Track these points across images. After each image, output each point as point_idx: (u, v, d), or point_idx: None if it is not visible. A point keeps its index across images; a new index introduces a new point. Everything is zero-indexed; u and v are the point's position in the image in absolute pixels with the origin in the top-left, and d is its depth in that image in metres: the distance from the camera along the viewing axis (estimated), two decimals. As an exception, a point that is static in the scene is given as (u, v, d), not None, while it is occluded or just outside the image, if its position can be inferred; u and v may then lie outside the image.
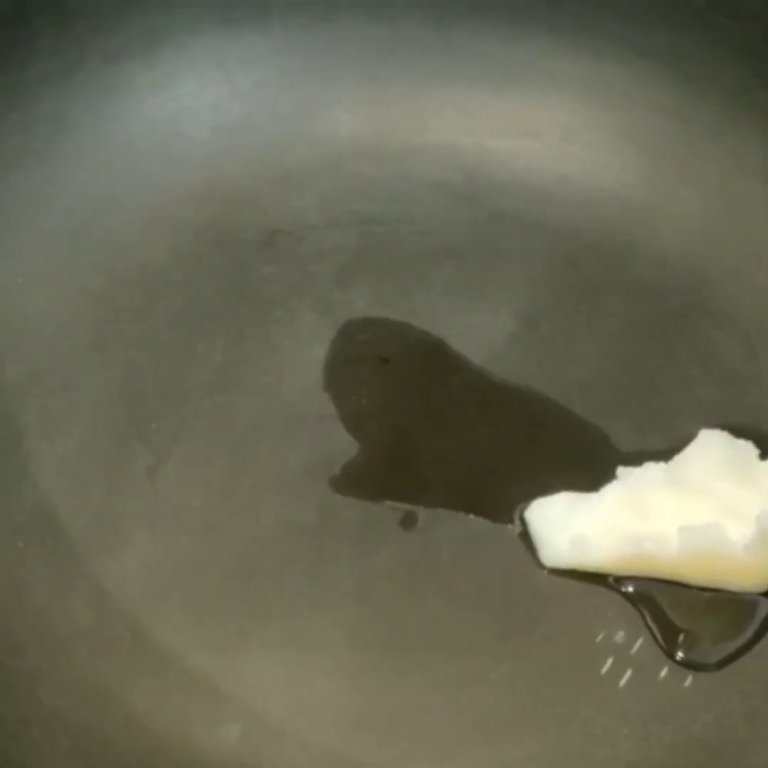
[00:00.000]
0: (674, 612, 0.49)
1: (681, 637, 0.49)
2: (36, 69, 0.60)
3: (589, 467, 0.53)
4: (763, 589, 0.49)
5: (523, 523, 0.52)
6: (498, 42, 0.63)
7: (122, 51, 0.62)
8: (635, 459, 0.53)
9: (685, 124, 0.61)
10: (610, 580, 0.50)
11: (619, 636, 0.49)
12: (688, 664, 0.49)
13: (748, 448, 0.51)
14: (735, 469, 0.51)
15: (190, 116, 0.63)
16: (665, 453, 0.53)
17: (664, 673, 0.49)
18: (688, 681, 0.49)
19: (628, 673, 0.49)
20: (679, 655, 0.49)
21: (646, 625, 0.49)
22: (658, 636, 0.49)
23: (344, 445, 0.54)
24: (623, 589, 0.50)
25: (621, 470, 0.51)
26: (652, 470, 0.51)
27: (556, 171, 0.62)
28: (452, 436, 0.55)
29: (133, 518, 0.52)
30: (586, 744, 0.48)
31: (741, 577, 0.49)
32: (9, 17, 0.59)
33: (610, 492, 0.51)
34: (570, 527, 0.50)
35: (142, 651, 0.49)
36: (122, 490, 0.53)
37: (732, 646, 0.49)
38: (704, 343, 0.57)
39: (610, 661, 0.49)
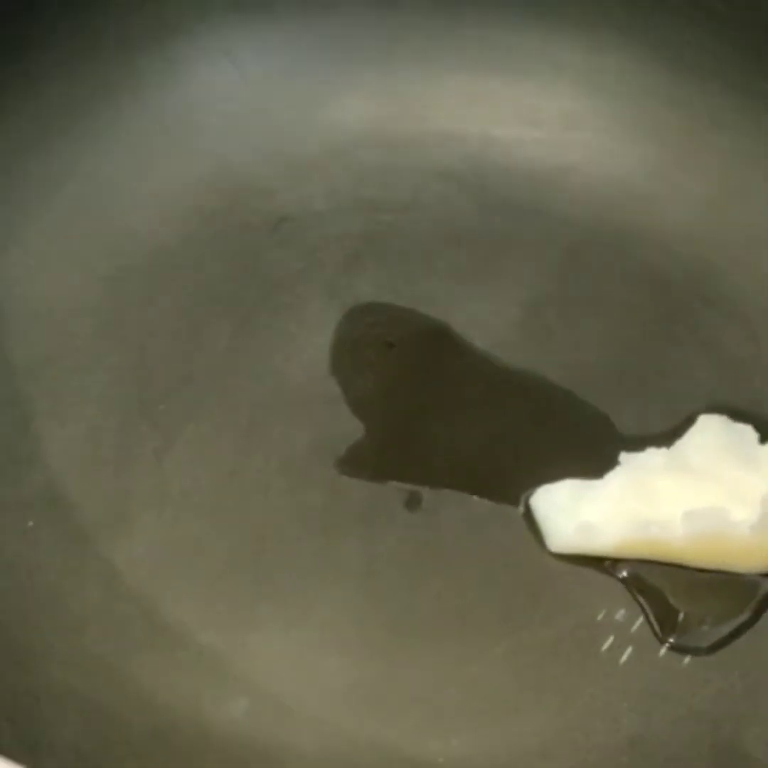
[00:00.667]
0: (670, 596, 0.50)
1: (675, 621, 0.50)
2: (48, 57, 0.61)
3: (592, 450, 0.54)
4: (767, 569, 0.50)
5: (528, 507, 0.52)
6: (503, 31, 0.64)
7: (133, 39, 0.62)
8: (638, 443, 0.53)
9: (688, 112, 0.62)
10: (607, 564, 0.51)
11: (620, 614, 0.50)
12: (682, 649, 0.49)
13: (747, 432, 0.52)
14: (736, 453, 0.51)
15: (200, 104, 0.63)
16: (667, 436, 0.53)
17: (663, 650, 0.50)
18: (687, 658, 0.49)
19: (629, 650, 0.50)
20: (672, 639, 0.49)
21: (641, 609, 0.50)
22: (653, 621, 0.50)
23: (350, 428, 0.55)
24: (619, 575, 0.51)
25: (624, 456, 0.52)
26: (654, 456, 0.52)
27: (560, 159, 0.62)
28: (456, 419, 0.55)
29: (142, 499, 0.53)
30: (588, 719, 0.48)
31: (746, 559, 0.50)
32: (23, 6, 0.60)
33: (614, 478, 0.51)
34: (576, 513, 0.50)
35: (152, 629, 0.50)
36: (131, 471, 0.54)
37: (725, 629, 0.50)
38: (706, 329, 0.58)
39: (610, 639, 0.50)
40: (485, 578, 0.51)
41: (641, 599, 0.50)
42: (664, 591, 0.50)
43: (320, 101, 0.64)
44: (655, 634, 0.50)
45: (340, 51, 0.64)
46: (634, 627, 0.50)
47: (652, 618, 0.50)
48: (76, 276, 0.59)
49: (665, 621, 0.50)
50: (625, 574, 0.51)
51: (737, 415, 0.54)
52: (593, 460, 0.53)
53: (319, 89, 0.64)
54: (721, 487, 0.50)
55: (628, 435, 0.55)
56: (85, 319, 0.58)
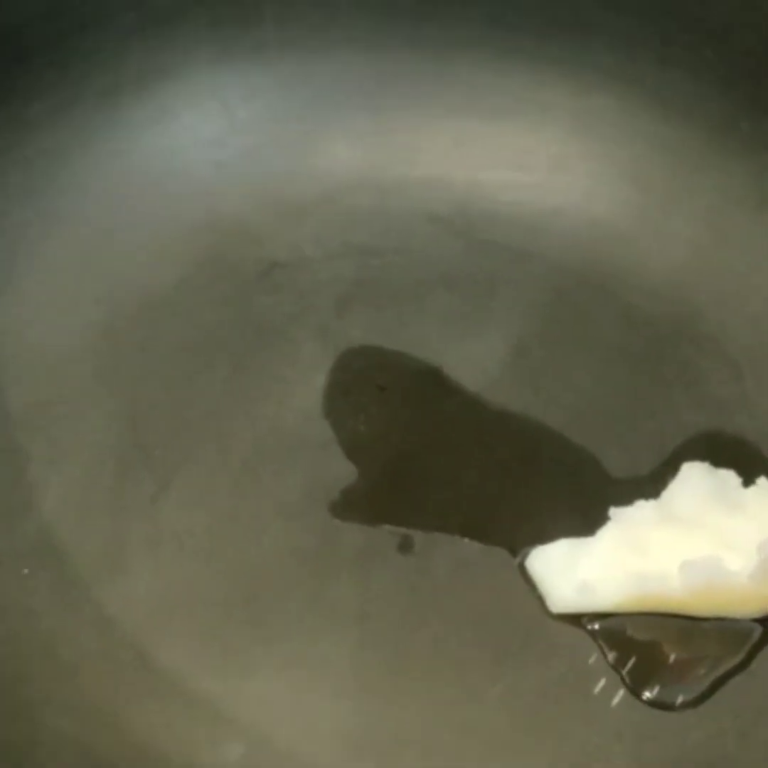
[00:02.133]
0: (664, 644, 0.51)
1: (648, 677, 0.50)
2: (35, 105, 0.61)
3: (581, 490, 0.55)
4: (765, 613, 0.51)
5: (522, 566, 0.52)
6: (491, 74, 0.64)
7: (120, 86, 0.63)
8: (626, 484, 0.54)
9: (674, 154, 0.62)
10: (584, 620, 0.51)
11: (611, 657, 0.51)
12: (655, 704, 0.49)
13: (730, 477, 0.52)
14: (722, 500, 0.52)
15: (189, 150, 0.64)
16: (655, 477, 0.54)
17: (657, 686, 0.50)
18: (679, 700, 0.50)
19: (620, 692, 0.50)
20: (646, 695, 0.50)
21: (611, 666, 0.50)
22: (626, 677, 0.50)
23: (343, 471, 0.55)
24: (590, 627, 0.51)
25: (613, 511, 0.52)
26: (644, 509, 0.52)
27: (547, 202, 0.63)
28: (448, 461, 0.56)
29: (137, 544, 0.53)
30: (581, 761, 0.49)
31: (744, 605, 0.50)
32: (9, 56, 0.60)
33: (607, 534, 0.52)
34: (573, 573, 0.51)
35: (147, 674, 0.50)
36: (126, 516, 0.54)
37: (719, 672, 0.50)
38: (693, 370, 0.58)
39: (602, 681, 0.50)
40: (478, 621, 0.51)
41: (608, 654, 0.50)
42: (633, 647, 0.50)
43: (310, 146, 0.64)
44: (627, 686, 0.50)
45: (329, 96, 0.65)
46: (626, 669, 0.50)
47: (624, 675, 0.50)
48: (69, 323, 0.59)
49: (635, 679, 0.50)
50: (594, 627, 0.51)
51: (721, 454, 0.54)
52: (582, 499, 0.54)
53: (309, 134, 0.64)
54: (712, 536, 0.50)
55: (615, 475, 0.55)
56: (79, 366, 0.58)
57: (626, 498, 0.53)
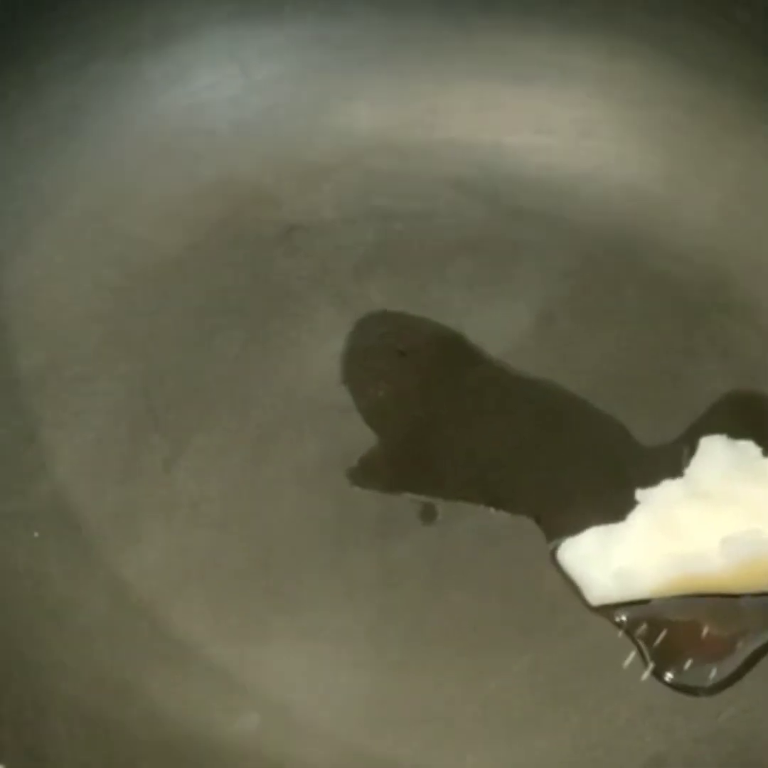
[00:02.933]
0: (675, 631, 0.49)
1: (679, 658, 0.49)
2: (51, 62, 0.60)
3: (608, 460, 0.53)
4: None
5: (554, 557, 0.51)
6: (515, 37, 0.63)
7: (137, 44, 0.61)
8: (652, 452, 0.53)
9: (704, 118, 0.61)
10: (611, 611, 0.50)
11: (642, 629, 0.49)
12: (681, 688, 0.48)
13: (749, 448, 0.52)
14: (744, 472, 0.51)
15: (207, 110, 0.63)
16: (682, 443, 0.53)
17: (687, 665, 0.49)
18: (713, 673, 0.48)
19: (651, 666, 0.49)
20: (674, 677, 0.49)
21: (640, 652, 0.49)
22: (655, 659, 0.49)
23: (362, 438, 0.54)
24: (617, 619, 0.50)
25: (640, 493, 0.51)
26: (670, 487, 0.51)
27: (573, 167, 0.62)
28: (470, 428, 0.55)
29: (150, 509, 0.52)
30: (609, 736, 0.47)
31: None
32: (24, 10, 0.59)
33: (637, 518, 0.50)
34: (608, 561, 0.49)
35: (161, 641, 0.49)
36: (139, 481, 0.53)
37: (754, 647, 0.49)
38: (723, 337, 0.57)
39: (632, 654, 0.49)
40: (502, 592, 0.50)
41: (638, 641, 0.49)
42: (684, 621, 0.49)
43: (329, 108, 0.63)
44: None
45: (349, 57, 0.63)
46: (657, 642, 0.49)
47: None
48: (83, 285, 0.58)
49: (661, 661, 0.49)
50: (621, 618, 0.50)
51: (753, 421, 0.53)
52: (610, 470, 0.53)
53: (328, 96, 0.63)
54: (744, 509, 0.49)
55: (644, 444, 0.54)
56: (92, 328, 0.57)
57: (653, 467, 0.52)
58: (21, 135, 0.60)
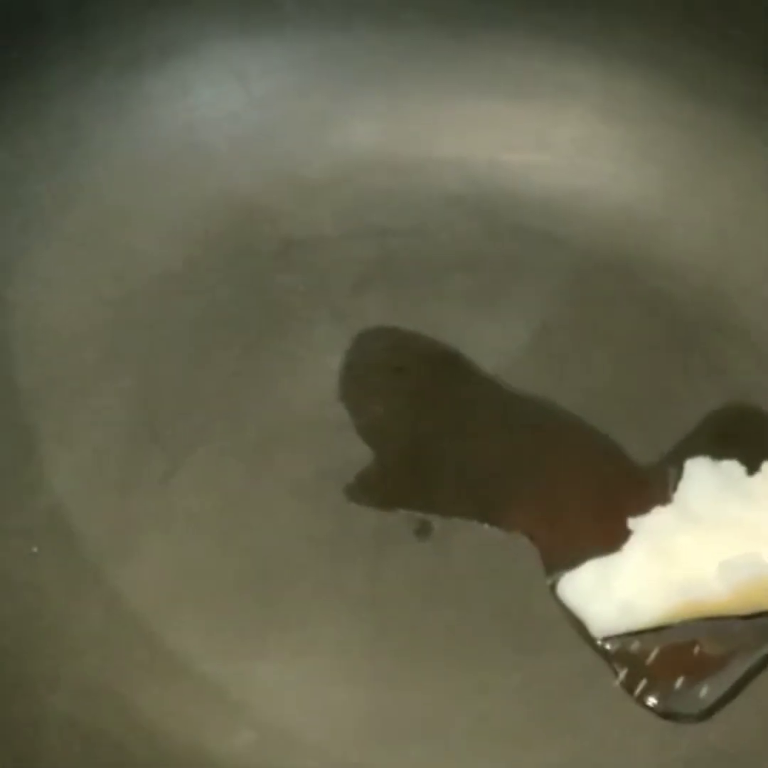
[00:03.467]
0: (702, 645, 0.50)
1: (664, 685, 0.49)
2: (52, 77, 0.60)
3: (601, 477, 0.54)
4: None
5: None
6: (513, 54, 0.63)
7: (138, 59, 0.62)
8: (646, 471, 0.53)
9: (700, 137, 0.61)
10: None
11: (634, 646, 0.50)
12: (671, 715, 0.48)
13: (734, 468, 0.52)
14: (732, 493, 0.51)
15: (206, 125, 0.63)
16: (673, 462, 0.53)
17: (678, 683, 0.49)
18: (703, 692, 0.49)
19: (643, 683, 0.49)
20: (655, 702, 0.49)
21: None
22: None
23: (358, 454, 0.54)
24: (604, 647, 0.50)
25: (632, 522, 0.51)
26: (662, 514, 0.51)
27: (570, 185, 0.62)
28: (466, 444, 0.55)
29: (147, 524, 0.52)
30: (600, 754, 0.48)
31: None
32: (26, 26, 0.59)
33: (634, 548, 0.50)
34: (609, 595, 0.50)
35: (156, 656, 0.49)
36: (137, 496, 0.53)
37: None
38: (716, 357, 0.57)
39: (624, 672, 0.49)
40: (497, 608, 0.51)
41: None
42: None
43: (328, 124, 0.63)
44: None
45: (348, 72, 0.64)
46: (649, 660, 0.49)
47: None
48: (82, 299, 0.58)
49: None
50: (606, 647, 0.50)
51: (743, 443, 0.53)
52: (605, 487, 0.53)
53: (327, 111, 0.63)
54: (734, 531, 0.49)
55: (638, 462, 0.54)
56: (91, 343, 0.57)
57: (645, 487, 0.52)
58: (20, 149, 0.60)
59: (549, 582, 0.51)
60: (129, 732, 0.48)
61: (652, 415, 0.56)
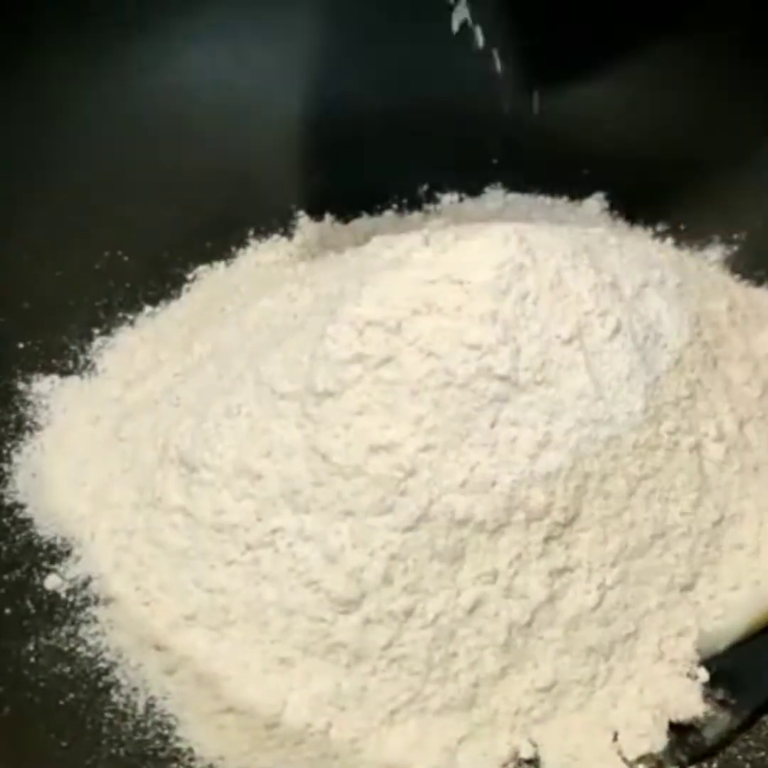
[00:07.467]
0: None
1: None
2: (47, 40, 0.59)
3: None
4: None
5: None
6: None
7: (130, 24, 0.61)
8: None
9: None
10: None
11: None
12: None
13: None
14: None
15: (198, 91, 0.62)
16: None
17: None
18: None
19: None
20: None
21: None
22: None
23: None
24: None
25: None
26: None
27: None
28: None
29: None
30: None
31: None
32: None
33: None
34: None
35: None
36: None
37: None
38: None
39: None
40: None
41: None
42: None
43: (323, 92, 0.62)
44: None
45: (346, 39, 0.62)
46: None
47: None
48: (73, 269, 0.58)
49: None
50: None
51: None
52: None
53: (322, 79, 0.62)
54: None
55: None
56: (81, 314, 0.57)
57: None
58: (13, 111, 0.59)
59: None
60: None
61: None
